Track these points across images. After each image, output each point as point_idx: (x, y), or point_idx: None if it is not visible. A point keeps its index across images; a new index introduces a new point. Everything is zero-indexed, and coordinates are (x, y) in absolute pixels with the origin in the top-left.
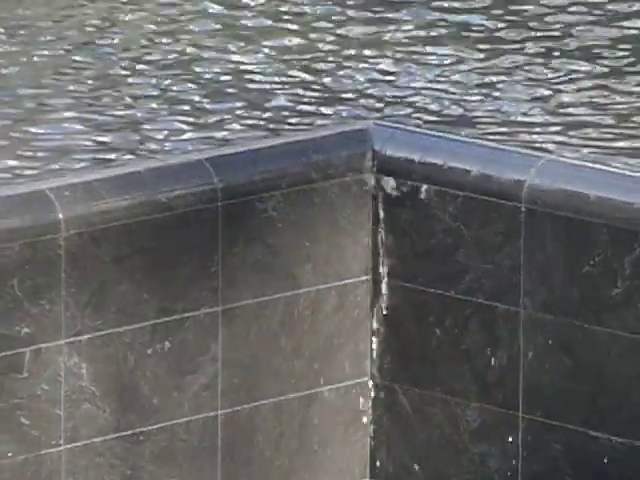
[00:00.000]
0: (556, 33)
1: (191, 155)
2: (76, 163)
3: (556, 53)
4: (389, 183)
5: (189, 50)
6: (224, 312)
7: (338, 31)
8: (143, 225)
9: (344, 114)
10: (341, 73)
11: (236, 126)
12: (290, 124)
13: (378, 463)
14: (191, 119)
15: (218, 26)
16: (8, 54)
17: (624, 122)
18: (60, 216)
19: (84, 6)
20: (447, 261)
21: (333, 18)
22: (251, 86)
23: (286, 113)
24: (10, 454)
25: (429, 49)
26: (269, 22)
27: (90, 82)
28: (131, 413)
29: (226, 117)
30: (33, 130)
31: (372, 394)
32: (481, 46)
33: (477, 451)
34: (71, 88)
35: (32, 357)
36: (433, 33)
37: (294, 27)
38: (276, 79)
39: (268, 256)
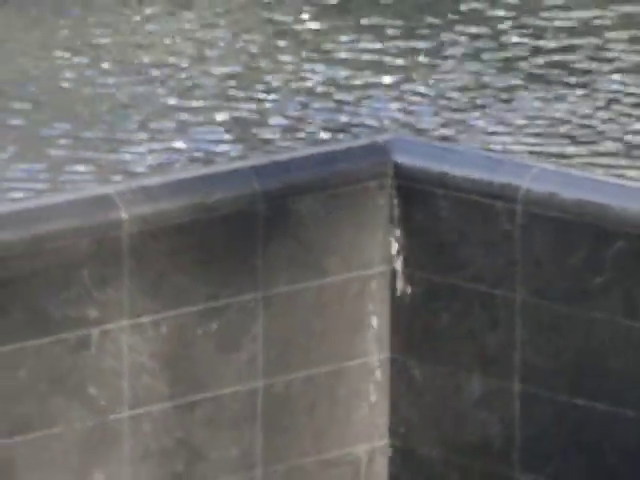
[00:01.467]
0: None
1: (235, 163)
2: (136, 169)
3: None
4: (405, 188)
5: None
6: (263, 298)
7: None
8: (194, 224)
9: (367, 128)
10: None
11: (277, 139)
12: (322, 138)
13: (395, 427)
14: (232, 133)
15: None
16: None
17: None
18: (124, 216)
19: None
20: (453, 254)
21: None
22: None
23: (318, 128)
24: (81, 420)
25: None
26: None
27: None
28: (184, 384)
29: (266, 131)
30: (96, 142)
31: (389, 368)
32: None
33: (479, 417)
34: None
35: (99, 336)
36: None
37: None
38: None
39: (301, 250)
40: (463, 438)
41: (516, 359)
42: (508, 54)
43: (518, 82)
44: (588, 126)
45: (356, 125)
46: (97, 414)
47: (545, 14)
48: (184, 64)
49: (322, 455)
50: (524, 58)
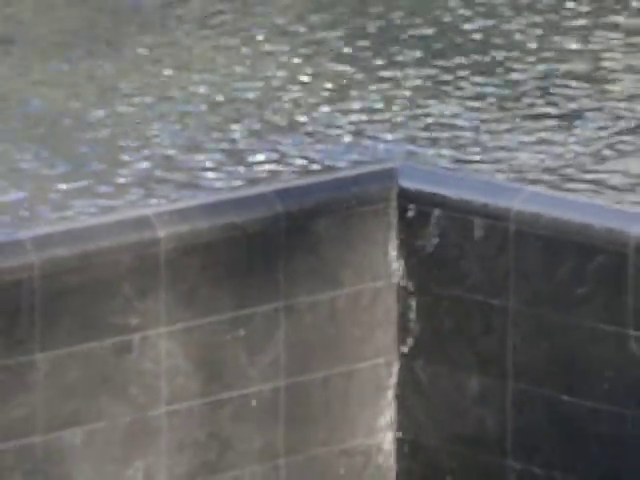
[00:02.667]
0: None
1: (260, 188)
2: (173, 193)
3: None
4: (409, 209)
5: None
6: (285, 307)
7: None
8: (223, 242)
9: (376, 155)
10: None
11: (296, 163)
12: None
13: (402, 421)
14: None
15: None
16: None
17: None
18: (160, 235)
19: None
20: (454, 268)
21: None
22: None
23: (331, 153)
24: (123, 415)
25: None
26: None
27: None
28: (214, 384)
29: (284, 157)
30: (136, 165)
31: (397, 369)
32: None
33: (476, 412)
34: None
35: (139, 342)
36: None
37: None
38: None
39: (319, 264)
40: (462, 431)
41: (509, 361)
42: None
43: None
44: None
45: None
46: (137, 410)
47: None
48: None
49: (337, 446)
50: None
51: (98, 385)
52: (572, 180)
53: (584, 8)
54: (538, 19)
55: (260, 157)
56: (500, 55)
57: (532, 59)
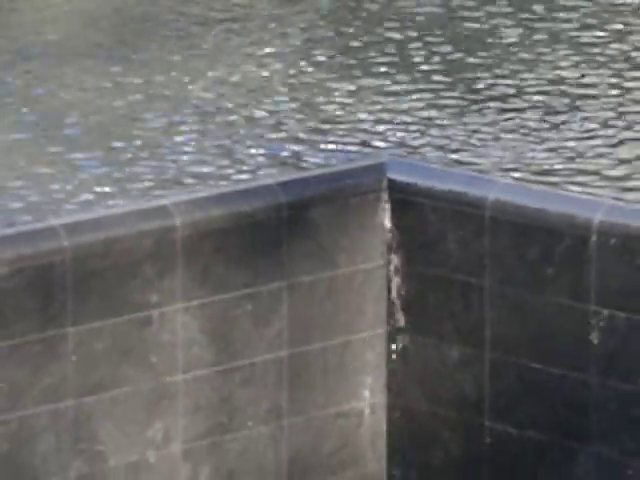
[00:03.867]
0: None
1: (266, 180)
2: (189, 185)
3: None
4: (397, 199)
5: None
6: (288, 286)
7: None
8: (233, 228)
9: (367, 149)
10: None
11: (300, 159)
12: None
13: (391, 386)
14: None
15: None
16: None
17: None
18: (177, 222)
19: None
20: (437, 251)
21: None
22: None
23: (328, 150)
24: (144, 382)
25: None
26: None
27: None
28: (225, 354)
29: (288, 154)
30: (153, 163)
31: (386, 340)
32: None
33: (457, 378)
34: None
35: (159, 317)
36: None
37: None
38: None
39: (317, 248)
40: (445, 395)
41: (486, 333)
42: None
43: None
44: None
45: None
46: (157, 377)
47: None
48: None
49: (334, 408)
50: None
51: (122, 355)
52: (553, 173)
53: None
54: (510, 22)
55: (268, 155)
56: (484, 56)
57: (515, 63)
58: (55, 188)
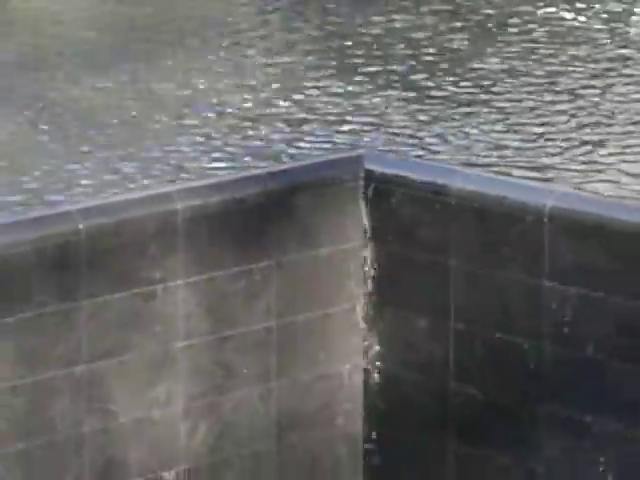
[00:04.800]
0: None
1: (253, 171)
2: (189, 174)
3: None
4: (373, 187)
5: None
6: (276, 264)
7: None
8: (227, 213)
9: (347, 141)
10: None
11: (286, 151)
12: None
13: (368, 351)
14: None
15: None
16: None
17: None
18: (179, 207)
19: None
20: (408, 233)
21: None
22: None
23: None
24: (149, 348)
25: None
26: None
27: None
28: (220, 324)
29: (272, 145)
30: (155, 154)
31: (364, 311)
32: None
33: (426, 346)
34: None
35: (162, 291)
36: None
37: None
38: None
39: (302, 230)
40: (415, 360)
41: (451, 306)
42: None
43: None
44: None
45: None
46: (161, 344)
47: None
48: None
49: (316, 372)
50: None
51: (129, 325)
52: (516, 165)
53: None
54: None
55: (258, 148)
56: (456, 55)
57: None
58: (83, 183)
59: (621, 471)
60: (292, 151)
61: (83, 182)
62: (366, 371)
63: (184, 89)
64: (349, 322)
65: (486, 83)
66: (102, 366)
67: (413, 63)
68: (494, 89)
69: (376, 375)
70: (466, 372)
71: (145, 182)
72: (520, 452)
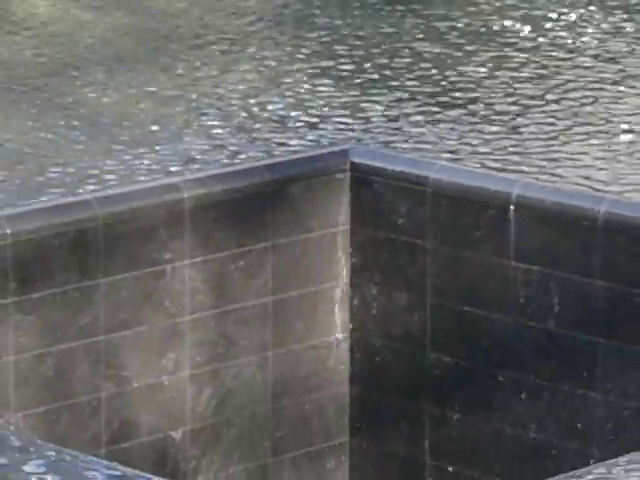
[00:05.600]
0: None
1: (254, 163)
2: (194, 166)
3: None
4: (358, 177)
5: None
6: (272, 246)
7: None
8: (229, 201)
9: (332, 136)
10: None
11: (279, 147)
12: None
13: (353, 324)
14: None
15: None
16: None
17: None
18: (185, 196)
19: None
20: (389, 218)
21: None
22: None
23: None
24: (159, 322)
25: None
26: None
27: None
28: (223, 299)
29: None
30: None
31: (350, 289)
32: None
33: (405, 319)
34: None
35: (171, 270)
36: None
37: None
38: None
39: (295, 216)
40: (395, 332)
41: (428, 283)
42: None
43: None
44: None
45: None
46: (169, 318)
47: None
48: None
49: (307, 342)
50: None
51: (142, 300)
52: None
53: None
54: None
55: (255, 144)
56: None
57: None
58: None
59: (573, 429)
60: (286, 146)
61: (107, 177)
62: (351, 341)
63: (192, 92)
64: (337, 297)
65: (465, 87)
66: (117, 337)
67: (398, 66)
68: (472, 93)
69: (360, 345)
70: (441, 342)
71: (158, 175)
72: (487, 413)
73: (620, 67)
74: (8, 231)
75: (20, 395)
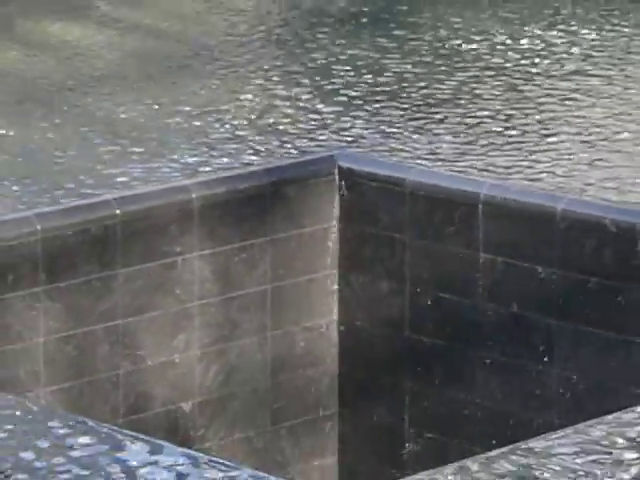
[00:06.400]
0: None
1: (253, 168)
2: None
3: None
4: (345, 179)
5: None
6: (271, 240)
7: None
8: (233, 200)
9: (323, 144)
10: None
11: (274, 154)
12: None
13: (340, 309)
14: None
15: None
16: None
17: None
18: (194, 196)
19: None
20: (374, 215)
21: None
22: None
23: (294, 146)
24: (171, 307)
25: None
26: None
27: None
28: (227, 287)
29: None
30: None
31: (338, 278)
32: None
33: (387, 304)
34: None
35: (182, 262)
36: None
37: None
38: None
39: (290, 213)
40: (378, 315)
41: (406, 273)
42: None
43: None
44: None
45: None
46: (180, 304)
47: None
48: None
49: (302, 325)
50: None
51: (156, 288)
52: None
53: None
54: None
55: (252, 151)
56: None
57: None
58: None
59: (534, 399)
60: (282, 151)
61: (125, 180)
62: (340, 324)
63: (198, 108)
64: (327, 285)
65: (439, 102)
66: (134, 321)
67: (384, 84)
68: (446, 107)
69: (348, 327)
70: (418, 324)
71: (172, 178)
72: (459, 386)
73: (572, 85)
74: (38, 227)
75: (48, 372)
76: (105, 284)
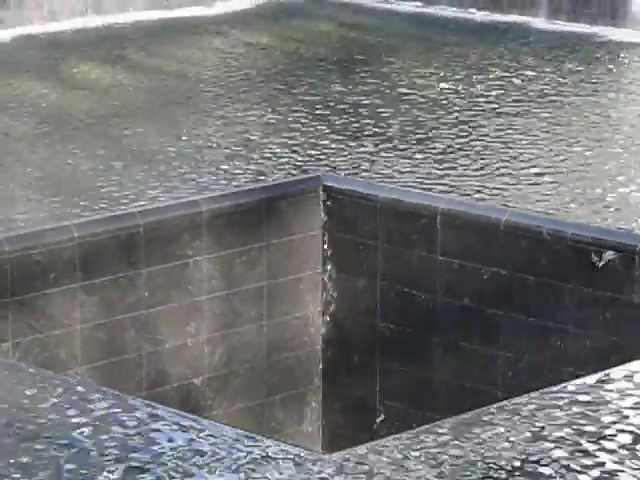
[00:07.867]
0: None
1: (252, 186)
2: (210, 186)
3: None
4: (329, 196)
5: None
6: (266, 245)
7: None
8: (234, 213)
9: (311, 167)
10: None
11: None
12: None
13: (326, 302)
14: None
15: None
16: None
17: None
18: (203, 209)
19: None
20: (351, 226)
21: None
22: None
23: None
24: (184, 299)
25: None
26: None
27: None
28: (230, 284)
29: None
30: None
31: (327, 275)
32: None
33: (364, 297)
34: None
35: (193, 264)
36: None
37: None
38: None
39: (282, 223)
40: (355, 307)
41: (379, 271)
42: None
43: None
44: None
45: None
46: (191, 297)
47: None
48: None
49: (292, 315)
50: None
51: (172, 285)
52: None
53: None
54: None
55: (253, 172)
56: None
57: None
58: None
59: (483, 376)
60: (276, 173)
61: (147, 195)
62: (324, 314)
63: (209, 136)
64: (314, 282)
65: (408, 130)
66: (154, 311)
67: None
68: (413, 135)
69: (331, 316)
70: (387, 314)
71: (185, 195)
72: (422, 366)
73: (519, 120)
74: (75, 234)
75: (84, 353)
76: (131, 281)
